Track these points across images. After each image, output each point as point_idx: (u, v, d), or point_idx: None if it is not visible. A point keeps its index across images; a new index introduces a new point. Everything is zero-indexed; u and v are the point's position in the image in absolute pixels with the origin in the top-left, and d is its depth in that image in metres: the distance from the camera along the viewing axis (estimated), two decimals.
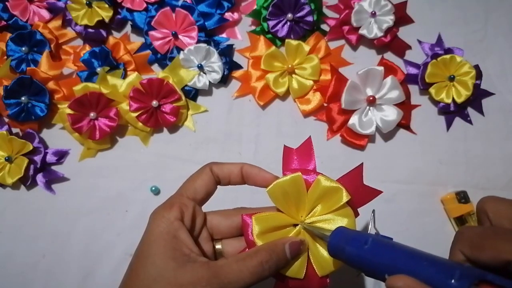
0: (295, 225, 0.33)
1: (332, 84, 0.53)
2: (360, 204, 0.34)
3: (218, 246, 0.34)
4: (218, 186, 0.35)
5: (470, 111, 0.56)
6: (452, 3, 0.59)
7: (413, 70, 0.56)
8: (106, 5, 0.55)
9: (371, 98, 0.52)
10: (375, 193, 0.34)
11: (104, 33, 0.56)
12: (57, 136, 0.55)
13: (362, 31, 0.55)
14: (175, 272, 0.28)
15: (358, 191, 0.34)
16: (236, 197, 0.50)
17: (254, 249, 0.31)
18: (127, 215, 0.53)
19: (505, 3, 0.59)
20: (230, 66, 0.55)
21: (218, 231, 0.34)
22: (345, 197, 0.32)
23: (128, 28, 0.58)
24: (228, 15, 0.57)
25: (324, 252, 0.32)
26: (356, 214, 0.33)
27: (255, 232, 0.32)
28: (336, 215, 0.33)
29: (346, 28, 0.56)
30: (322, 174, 0.33)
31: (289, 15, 0.54)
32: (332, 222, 0.32)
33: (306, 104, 0.55)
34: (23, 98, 0.52)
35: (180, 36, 0.55)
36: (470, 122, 0.56)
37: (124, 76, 0.54)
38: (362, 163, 0.34)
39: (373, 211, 0.32)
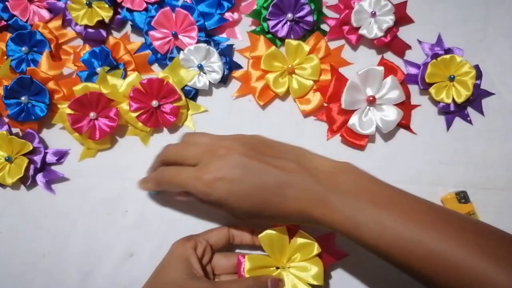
0: (277, 268, 0.44)
1: (332, 84, 0.53)
2: (330, 262, 0.46)
3: (217, 280, 0.44)
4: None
5: (470, 111, 0.56)
6: (452, 3, 0.59)
7: (413, 70, 0.56)
8: (106, 5, 0.55)
9: (371, 98, 0.52)
10: (342, 255, 0.47)
11: (104, 33, 0.56)
12: (57, 136, 0.55)
13: (362, 31, 0.55)
14: (184, 281, 0.38)
15: (330, 251, 0.46)
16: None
17: (246, 277, 0.42)
18: (127, 215, 0.53)
19: (505, 3, 0.59)
20: (230, 66, 0.55)
21: (218, 267, 0.44)
22: (316, 250, 0.43)
23: (128, 28, 0.58)
24: (228, 15, 0.57)
25: None
26: (326, 267, 0.45)
27: (246, 268, 0.42)
28: (309, 263, 0.43)
29: (346, 28, 0.56)
30: (301, 231, 0.43)
31: (289, 15, 0.54)
32: (306, 269, 0.43)
33: (306, 104, 0.55)
34: (23, 98, 0.52)
35: (180, 36, 0.55)
36: (470, 122, 0.56)
37: (124, 76, 0.54)
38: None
39: None
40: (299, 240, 0.43)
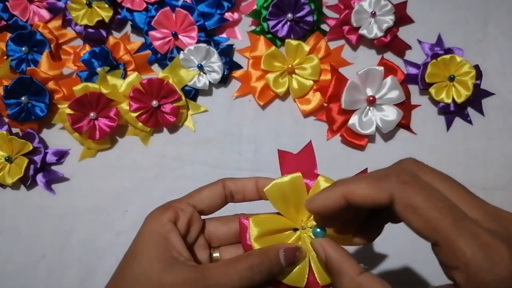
0: (295, 230, 0.31)
1: (332, 84, 0.53)
2: None
3: (215, 254, 0.33)
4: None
5: (470, 111, 0.56)
6: (452, 3, 0.59)
7: (413, 70, 0.56)
8: (106, 5, 0.55)
9: (371, 98, 0.52)
10: None
11: (104, 33, 0.56)
12: (57, 136, 0.55)
13: (362, 31, 0.55)
14: (158, 273, 0.27)
15: None
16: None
17: (246, 253, 0.30)
18: (127, 215, 0.53)
19: (505, 3, 0.59)
20: (230, 66, 0.55)
21: (215, 237, 0.33)
22: None
23: (128, 28, 0.58)
24: (228, 15, 0.57)
25: None
26: None
27: (252, 235, 0.30)
28: None
29: (346, 28, 0.56)
30: (322, 175, 0.31)
31: (289, 15, 0.54)
32: None
33: (306, 104, 0.55)
34: (23, 98, 0.52)
35: (180, 36, 0.55)
36: (470, 122, 0.55)
37: (124, 76, 0.54)
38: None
39: None
40: (321, 187, 0.30)
